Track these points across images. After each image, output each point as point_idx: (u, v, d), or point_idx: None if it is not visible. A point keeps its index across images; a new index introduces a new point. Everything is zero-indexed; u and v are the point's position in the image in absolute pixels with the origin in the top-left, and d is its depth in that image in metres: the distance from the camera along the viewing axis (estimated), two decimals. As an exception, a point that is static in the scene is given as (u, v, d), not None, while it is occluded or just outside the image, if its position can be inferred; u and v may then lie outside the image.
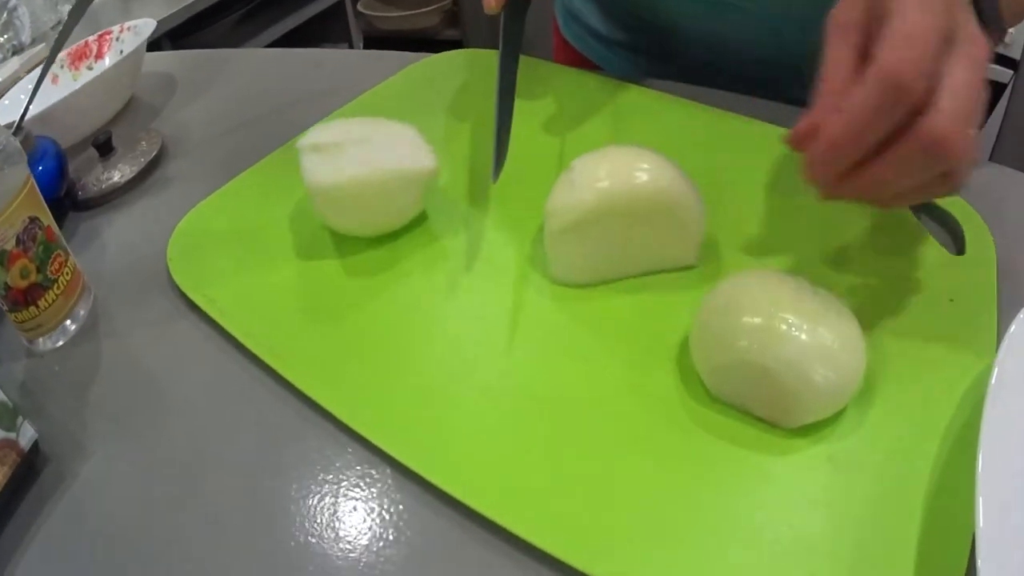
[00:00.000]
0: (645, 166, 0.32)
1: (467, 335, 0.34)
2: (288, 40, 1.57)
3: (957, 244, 0.34)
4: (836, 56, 0.28)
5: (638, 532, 0.26)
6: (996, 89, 1.12)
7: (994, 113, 1.14)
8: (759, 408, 0.29)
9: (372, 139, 0.38)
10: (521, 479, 0.28)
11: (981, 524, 0.22)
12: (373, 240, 0.39)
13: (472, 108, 0.50)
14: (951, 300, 0.32)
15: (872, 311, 0.32)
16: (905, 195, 0.28)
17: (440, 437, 0.30)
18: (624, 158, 0.32)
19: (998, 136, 1.16)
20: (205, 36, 1.35)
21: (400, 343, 0.34)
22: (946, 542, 0.25)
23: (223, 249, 0.40)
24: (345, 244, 0.39)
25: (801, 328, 0.27)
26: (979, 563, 0.21)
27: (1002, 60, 1.12)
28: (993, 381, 0.26)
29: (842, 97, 0.26)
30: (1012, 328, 0.28)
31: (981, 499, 0.23)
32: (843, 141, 0.26)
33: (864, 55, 0.28)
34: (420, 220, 0.40)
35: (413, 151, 0.37)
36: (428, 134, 0.39)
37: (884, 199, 0.28)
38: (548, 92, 0.49)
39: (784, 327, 0.27)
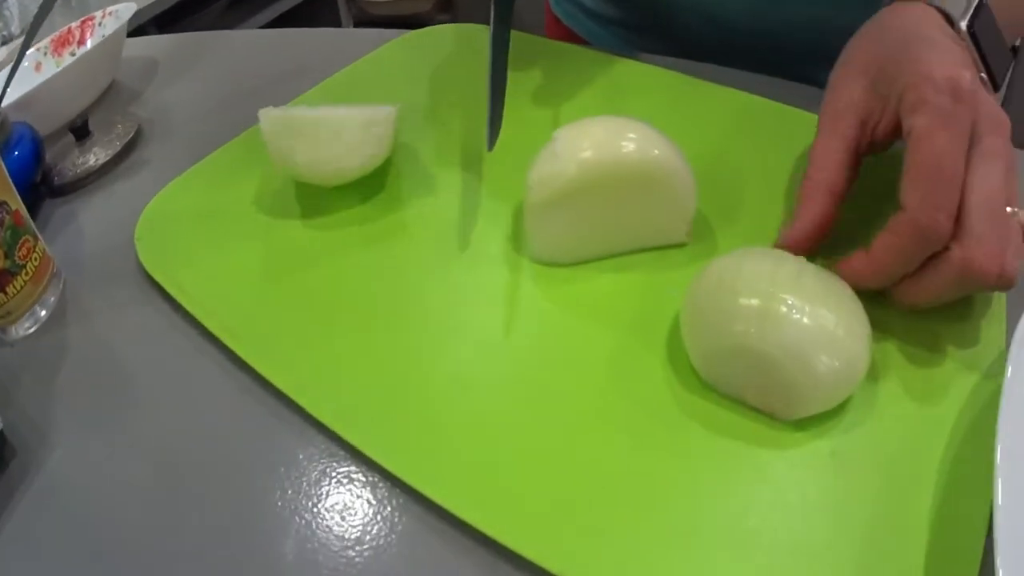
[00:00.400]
0: (632, 136, 0.30)
1: (440, 319, 0.32)
2: (277, 27, 1.56)
3: None
4: (825, 147, 0.30)
5: (620, 534, 0.24)
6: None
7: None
8: (756, 398, 0.27)
9: (339, 109, 0.37)
10: (494, 475, 0.26)
11: (999, 525, 0.21)
12: (343, 216, 0.38)
13: (458, 81, 0.48)
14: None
15: (877, 295, 0.30)
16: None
17: (409, 430, 0.28)
18: (610, 128, 0.30)
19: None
20: (192, 23, 1.35)
21: (370, 329, 0.32)
22: (959, 546, 0.23)
23: (190, 231, 0.39)
24: (314, 222, 0.38)
25: (802, 311, 0.25)
26: (997, 562, 0.20)
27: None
28: (1009, 374, 0.25)
29: (831, 186, 0.29)
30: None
31: (1000, 498, 0.21)
32: (872, 281, 0.28)
33: (857, 146, 0.29)
34: (395, 195, 0.39)
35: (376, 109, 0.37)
36: (412, 107, 0.38)
37: (919, 306, 0.29)
38: (537, 66, 0.48)
39: (784, 309, 0.25)
